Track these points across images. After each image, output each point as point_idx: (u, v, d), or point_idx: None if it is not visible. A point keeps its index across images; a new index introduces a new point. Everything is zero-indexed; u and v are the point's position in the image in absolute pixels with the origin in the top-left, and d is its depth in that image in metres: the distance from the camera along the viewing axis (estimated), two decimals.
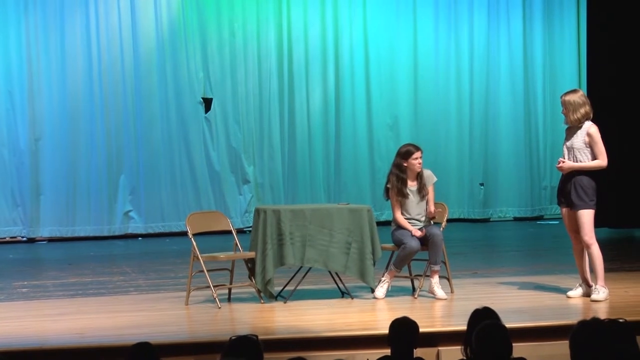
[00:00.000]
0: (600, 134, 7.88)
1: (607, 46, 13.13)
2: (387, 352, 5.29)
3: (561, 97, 8.01)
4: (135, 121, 13.87)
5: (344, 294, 8.38)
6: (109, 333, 7.02)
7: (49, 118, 13.62)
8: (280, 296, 8.33)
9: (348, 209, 8.35)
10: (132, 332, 6.91)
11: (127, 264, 11.12)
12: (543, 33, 15.27)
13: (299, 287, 8.29)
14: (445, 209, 8.63)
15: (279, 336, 6.89)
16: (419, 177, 8.38)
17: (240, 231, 10.98)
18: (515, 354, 4.62)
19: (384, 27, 14.77)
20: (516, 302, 7.90)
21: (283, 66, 14.45)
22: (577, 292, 8.10)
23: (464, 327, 5.15)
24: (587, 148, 7.85)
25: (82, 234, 13.73)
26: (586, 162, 7.84)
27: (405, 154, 8.36)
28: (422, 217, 8.36)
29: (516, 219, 15.27)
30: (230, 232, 8.58)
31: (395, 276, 8.38)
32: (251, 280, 8.24)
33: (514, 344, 4.60)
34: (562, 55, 15.33)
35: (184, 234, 8.70)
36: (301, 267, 8.35)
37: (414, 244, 8.18)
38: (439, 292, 8.19)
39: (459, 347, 5.10)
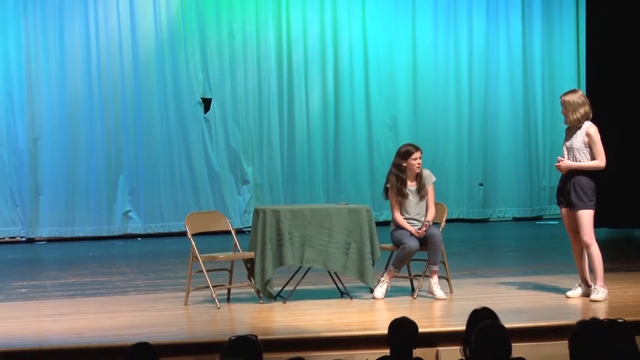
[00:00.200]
0: (600, 134, 7.89)
1: (606, 46, 13.13)
2: (387, 352, 5.29)
3: (561, 97, 8.02)
4: (135, 121, 13.87)
5: (343, 294, 8.38)
6: (108, 333, 7.02)
7: (48, 118, 13.61)
8: (279, 296, 8.33)
9: (347, 209, 8.35)
10: (131, 332, 6.91)
11: (126, 264, 11.12)
12: (542, 33, 15.26)
13: (298, 288, 8.29)
14: (444, 209, 8.63)
15: (278, 336, 6.90)
16: (418, 177, 8.38)
17: (239, 231, 10.97)
18: (514, 354, 4.62)
19: (383, 27, 14.76)
20: (515, 302, 7.91)
21: (282, 67, 14.44)
22: (576, 292, 8.10)
23: (463, 327, 5.15)
24: (586, 148, 7.85)
25: (81, 234, 13.72)
26: (585, 162, 7.84)
27: (404, 154, 8.37)
28: (421, 217, 8.36)
29: (515, 219, 15.26)
30: (229, 232, 8.58)
31: (395, 276, 8.39)
32: (250, 281, 8.25)
33: (513, 344, 4.60)
34: (562, 55, 15.32)
35: (183, 234, 8.70)
36: (300, 267, 8.35)
37: (413, 244, 8.18)
38: (438, 292, 8.18)
39: (458, 347, 5.11)
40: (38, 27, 13.56)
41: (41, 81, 13.57)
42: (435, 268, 8.22)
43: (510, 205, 15.24)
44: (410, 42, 14.85)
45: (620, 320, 4.70)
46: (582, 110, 7.86)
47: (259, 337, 4.79)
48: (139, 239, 13.85)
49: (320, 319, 7.43)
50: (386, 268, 8.42)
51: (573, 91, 8.06)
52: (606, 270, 8.05)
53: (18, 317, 7.84)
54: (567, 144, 7.94)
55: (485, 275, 9.52)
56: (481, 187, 15.17)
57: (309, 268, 8.34)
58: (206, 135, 14.14)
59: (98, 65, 13.73)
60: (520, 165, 15.22)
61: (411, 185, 8.36)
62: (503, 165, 15.18)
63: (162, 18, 13.95)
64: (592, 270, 7.96)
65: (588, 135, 7.84)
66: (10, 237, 13.67)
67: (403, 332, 5.18)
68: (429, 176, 8.41)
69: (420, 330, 5.30)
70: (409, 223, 8.30)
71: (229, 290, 8.41)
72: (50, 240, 13.67)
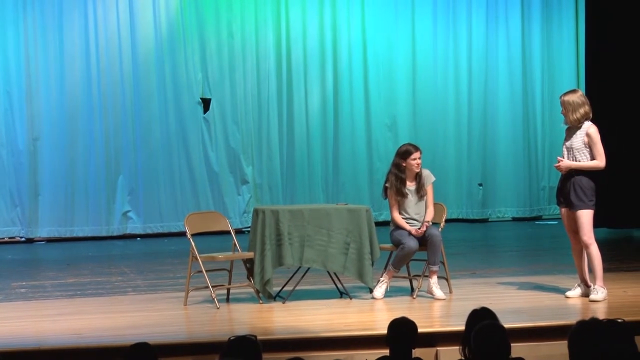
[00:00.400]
0: (600, 134, 7.88)
1: (605, 46, 13.13)
2: (386, 352, 5.29)
3: (560, 97, 8.02)
4: (134, 121, 13.87)
5: (342, 294, 8.38)
6: (107, 333, 7.01)
7: (48, 118, 13.61)
8: (278, 296, 8.33)
9: (346, 209, 8.35)
10: (130, 332, 6.91)
11: (125, 265, 11.11)
12: (541, 33, 15.27)
13: (297, 288, 8.29)
14: (443, 209, 8.63)
15: (277, 336, 6.89)
16: (417, 177, 8.38)
17: (238, 231, 10.97)
18: (513, 354, 4.62)
19: (382, 28, 14.76)
20: (514, 302, 7.90)
21: (281, 67, 14.44)
22: (575, 292, 8.10)
23: (463, 328, 5.15)
24: (586, 148, 7.85)
25: (80, 235, 13.72)
26: (585, 162, 7.84)
27: (404, 153, 8.37)
28: (420, 216, 8.36)
29: (515, 219, 15.27)
30: (228, 232, 8.58)
31: (394, 276, 8.38)
32: (250, 281, 8.24)
33: (512, 344, 4.60)
34: (561, 56, 15.33)
35: (182, 234, 8.70)
36: (300, 267, 8.35)
37: (413, 244, 8.18)
38: (438, 292, 8.18)
39: (457, 348, 5.10)
40: (37, 27, 13.56)
41: (40, 81, 13.58)
42: (435, 268, 8.21)
43: (509, 205, 15.25)
44: (409, 42, 14.86)
45: (619, 320, 4.69)
46: (582, 111, 7.85)
47: (259, 337, 4.79)
48: (138, 239, 13.86)
49: (319, 319, 7.42)
50: (385, 268, 8.42)
51: (573, 91, 8.06)
52: (605, 270, 8.04)
53: (17, 317, 7.84)
54: (567, 144, 7.94)
55: (484, 276, 9.51)
56: (480, 187, 15.17)
57: (308, 268, 8.34)
58: (205, 136, 14.14)
59: (97, 65, 13.73)
60: (519, 166, 15.22)
61: (410, 185, 8.36)
62: (502, 165, 15.18)
63: (161, 18, 13.95)
64: (591, 270, 7.96)
65: (588, 135, 7.84)
66: (9, 237, 13.68)
67: (402, 332, 5.18)
68: (428, 176, 8.41)
69: (419, 330, 5.30)
70: (407, 223, 8.30)
71: (228, 290, 8.41)
72: (49, 240, 13.67)
